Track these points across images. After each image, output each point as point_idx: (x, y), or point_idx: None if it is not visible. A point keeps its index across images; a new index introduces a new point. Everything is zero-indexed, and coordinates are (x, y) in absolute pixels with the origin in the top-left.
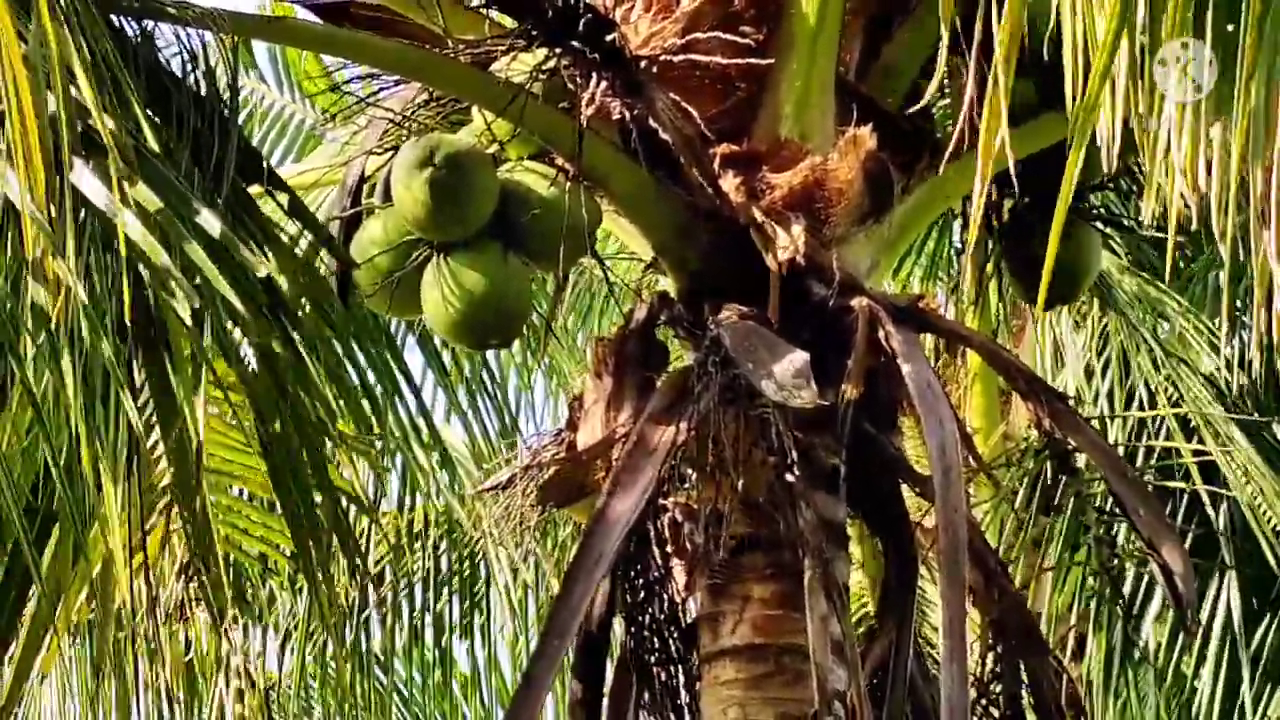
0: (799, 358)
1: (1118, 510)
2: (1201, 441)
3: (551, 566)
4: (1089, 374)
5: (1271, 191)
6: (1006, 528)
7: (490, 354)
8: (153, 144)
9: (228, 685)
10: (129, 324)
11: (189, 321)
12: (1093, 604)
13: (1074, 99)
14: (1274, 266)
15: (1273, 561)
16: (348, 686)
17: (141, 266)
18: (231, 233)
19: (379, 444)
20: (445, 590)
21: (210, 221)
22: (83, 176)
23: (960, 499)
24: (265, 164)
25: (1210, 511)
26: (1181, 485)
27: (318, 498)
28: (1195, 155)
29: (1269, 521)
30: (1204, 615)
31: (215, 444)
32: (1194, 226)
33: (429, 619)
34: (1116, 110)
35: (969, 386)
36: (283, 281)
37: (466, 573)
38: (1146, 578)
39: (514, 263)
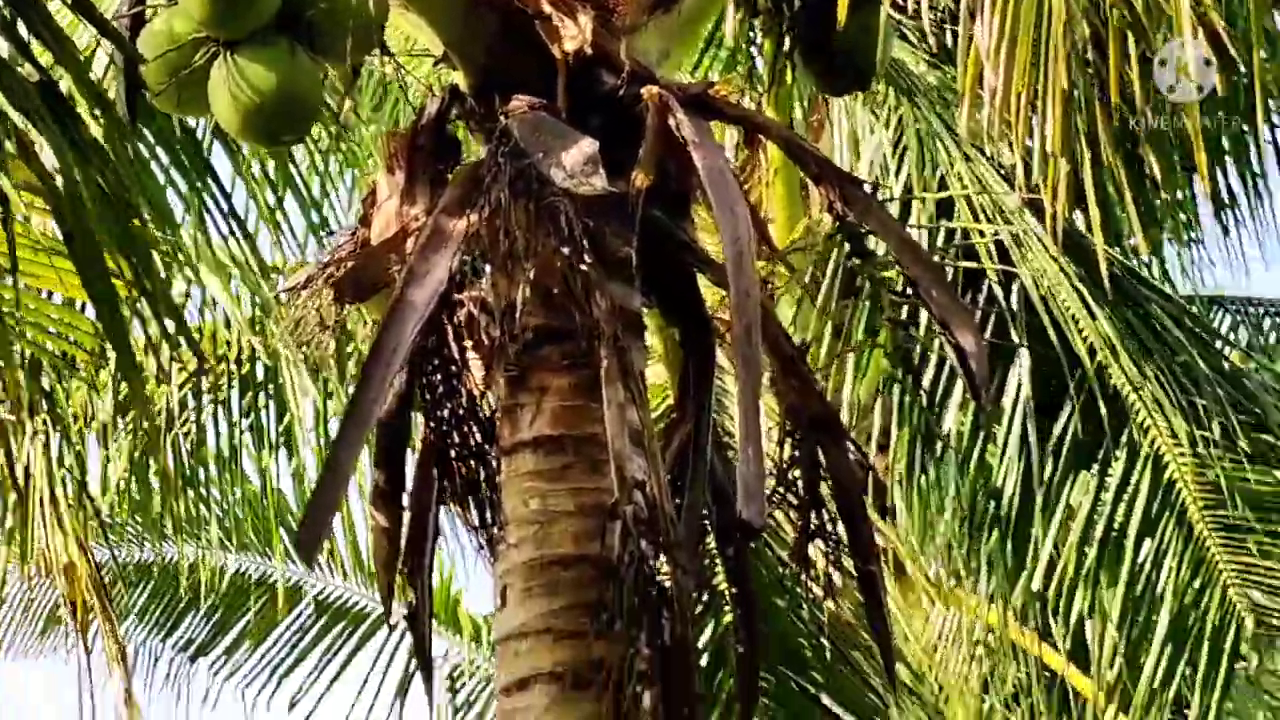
0: (588, 145)
1: (912, 293)
2: (998, 232)
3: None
4: (886, 163)
5: None
6: (802, 311)
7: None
8: None
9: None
10: None
11: None
12: (895, 392)
13: None
14: (984, 54)
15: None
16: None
17: None
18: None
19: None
20: (254, 401)
21: None
22: None
23: (753, 282)
24: None
25: (1003, 301)
26: (975, 265)
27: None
28: None
29: (1067, 308)
30: (1006, 403)
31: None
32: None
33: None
34: None
35: (769, 182)
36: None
37: (272, 387)
38: (948, 367)
39: (302, 58)
